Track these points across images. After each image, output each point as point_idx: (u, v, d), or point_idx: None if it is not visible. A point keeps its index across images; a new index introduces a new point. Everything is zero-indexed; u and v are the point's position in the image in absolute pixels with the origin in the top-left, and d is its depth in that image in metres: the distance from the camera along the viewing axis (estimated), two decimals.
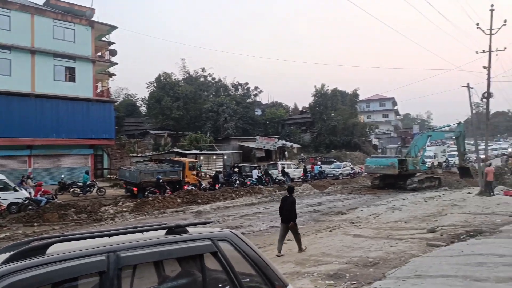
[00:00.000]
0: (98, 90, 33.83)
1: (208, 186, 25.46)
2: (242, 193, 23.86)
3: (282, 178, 29.99)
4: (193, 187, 23.66)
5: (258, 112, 60.96)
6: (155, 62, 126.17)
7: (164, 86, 46.54)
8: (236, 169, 29.85)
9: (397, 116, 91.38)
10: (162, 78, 47.92)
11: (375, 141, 63.28)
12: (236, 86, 59.91)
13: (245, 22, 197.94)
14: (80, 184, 23.28)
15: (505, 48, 22.85)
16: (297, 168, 33.99)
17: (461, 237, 9.41)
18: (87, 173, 24.82)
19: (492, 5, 21.24)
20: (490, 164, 20.24)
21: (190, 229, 2.78)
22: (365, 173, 31.18)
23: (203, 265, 2.62)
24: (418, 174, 26.31)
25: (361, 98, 64.47)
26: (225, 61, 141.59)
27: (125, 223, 15.44)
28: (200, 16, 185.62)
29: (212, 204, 20.30)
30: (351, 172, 35.18)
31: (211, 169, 34.28)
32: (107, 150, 32.23)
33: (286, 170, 31.15)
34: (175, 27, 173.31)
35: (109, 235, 2.47)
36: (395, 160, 25.32)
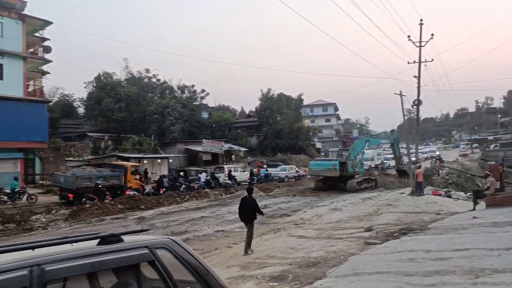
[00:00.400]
0: (30, 89, 31.18)
1: (152, 191, 24.63)
2: (187, 197, 23.42)
3: (229, 181, 29.96)
4: (135, 192, 22.74)
5: (204, 115, 60.34)
6: (95, 61, 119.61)
7: (104, 86, 44.20)
8: (181, 173, 29.24)
9: (339, 121, 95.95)
10: (102, 77, 45.48)
11: (319, 145, 65.60)
12: (182, 88, 58.77)
13: (192, 24, 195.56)
14: (8, 191, 21.28)
15: (432, 60, 25.16)
16: (243, 171, 34.15)
17: (395, 235, 10.08)
18: (15, 179, 22.75)
19: (421, 20, 23.19)
20: (420, 166, 21.79)
21: (125, 237, 2.65)
22: (309, 176, 32.22)
23: (139, 274, 2.51)
24: (357, 176, 27.74)
25: (305, 103, 66.42)
26: (172, 62, 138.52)
27: (58, 232, 14.37)
28: (145, 16, 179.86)
29: (156, 210, 19.65)
30: (296, 174, 36.17)
31: (155, 173, 33.19)
32: (39, 154, 29.80)
33: (233, 173, 31.17)
34: (117, 26, 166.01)
35: (33, 247, 2.27)
36: (336, 163, 26.46)
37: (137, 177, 24.76)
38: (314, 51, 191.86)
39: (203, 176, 28.86)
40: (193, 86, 59.57)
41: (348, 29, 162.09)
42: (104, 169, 24.15)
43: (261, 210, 10.40)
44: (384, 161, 46.50)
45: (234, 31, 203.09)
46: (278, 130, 52.89)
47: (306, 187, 29.41)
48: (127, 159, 29.80)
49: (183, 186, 26.11)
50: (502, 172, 15.30)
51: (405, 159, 33.88)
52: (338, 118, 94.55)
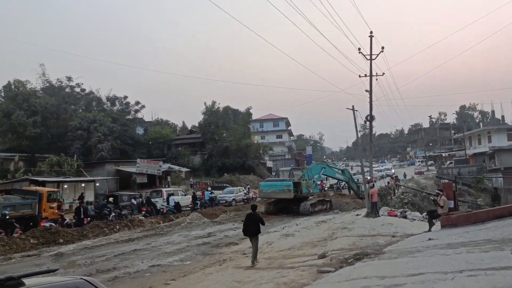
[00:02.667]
0: None
1: (73, 221, 23.20)
2: (118, 227, 22.40)
3: (170, 207, 29.14)
4: (52, 224, 21.29)
5: (139, 130, 58.76)
6: (4, 67, 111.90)
7: (15, 97, 41.49)
8: (111, 199, 27.93)
9: (291, 137, 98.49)
10: (13, 86, 42.71)
11: (270, 164, 66.25)
12: (112, 100, 56.84)
13: (125, 32, 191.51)
14: None
15: (383, 74, 26.98)
16: (185, 195, 33.50)
17: (349, 261, 10.39)
18: None
19: (371, 32, 24.90)
20: (373, 186, 22.78)
21: (28, 280, 2.46)
22: (259, 198, 32.43)
23: None
24: (311, 197, 28.38)
25: (254, 117, 67.38)
26: (100, 71, 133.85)
27: None
28: (69, 21, 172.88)
29: (79, 244, 18.52)
30: (245, 197, 36.22)
31: (76, 200, 31.31)
32: None
33: (173, 197, 30.40)
34: (34, 30, 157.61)
35: None
36: (290, 183, 26.69)
37: (54, 205, 23.22)
38: (262, 63, 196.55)
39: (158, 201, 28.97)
40: (125, 97, 58.04)
41: (298, 42, 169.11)
42: (13, 196, 22.42)
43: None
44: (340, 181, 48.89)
45: (174, 39, 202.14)
46: (224, 147, 52.89)
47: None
48: (43, 183, 27.88)
49: (113, 214, 24.92)
50: (455, 191, 16.43)
51: (359, 179, 35.59)
52: (290, 134, 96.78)
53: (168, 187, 39.70)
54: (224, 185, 41.44)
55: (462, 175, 41.91)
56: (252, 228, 12.29)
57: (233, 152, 53.48)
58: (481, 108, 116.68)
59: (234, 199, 35.01)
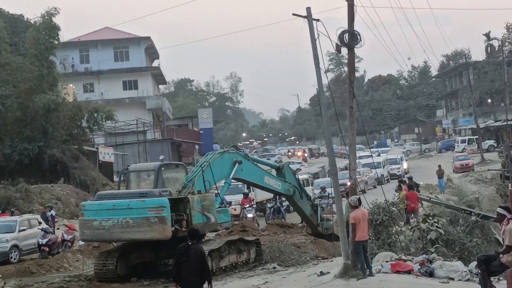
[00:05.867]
0: None
1: None
2: None
3: None
4: None
5: None
6: None
7: None
8: None
9: (161, 87, 55.91)
10: None
11: (107, 153, 32.96)
12: None
13: None
14: None
15: None
16: None
17: None
18: None
19: None
20: (360, 203, 11.74)
21: None
22: (82, 242, 16.76)
23: None
24: (212, 236, 15.73)
25: (68, 36, 36.63)
26: None
27: None
28: None
29: None
30: (44, 241, 16.96)
31: None
32: None
33: None
34: None
35: None
36: (163, 201, 12.90)
37: None
38: None
39: None
40: None
41: None
42: None
43: None
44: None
45: None
46: None
47: (72, 275, 14.84)
48: None
49: None
50: None
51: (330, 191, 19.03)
52: (160, 79, 51.48)
53: None
54: None
55: None
56: (193, 278, 7.27)
57: (13, 126, 27.30)
58: None
59: (16, 247, 16.84)
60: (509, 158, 32.02)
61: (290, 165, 20.75)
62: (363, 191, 25.66)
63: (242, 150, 18.62)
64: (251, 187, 22.42)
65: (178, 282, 7.68)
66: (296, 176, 19.06)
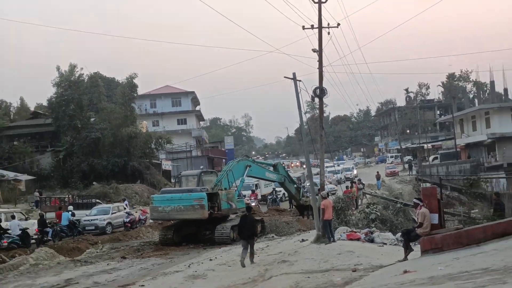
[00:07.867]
0: None
1: None
2: None
3: (14, 237, 18.50)
4: None
5: None
6: None
7: None
8: None
9: (201, 123, 74.92)
10: None
11: (167, 165, 48.74)
12: None
13: None
14: None
15: (338, 25, 18.73)
16: (26, 218, 22.43)
17: None
18: None
19: None
20: (328, 195, 17.37)
21: None
22: (152, 220, 24.03)
23: None
24: (232, 216, 21.02)
25: (142, 90, 49.64)
26: None
27: None
28: None
29: None
30: (128, 219, 25.18)
31: None
32: None
33: (18, 222, 19.69)
34: None
35: None
36: (202, 195, 18.79)
37: None
38: (153, 9, 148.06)
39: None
40: None
41: None
42: None
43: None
44: (277, 190, 34.27)
45: None
46: (92, 140, 37.29)
47: (145, 242, 21.58)
48: None
49: None
50: (441, 199, 12.75)
51: (307, 185, 27.95)
52: (200, 117, 70.78)
53: None
54: (93, 201, 29.30)
55: (450, 176, 36.20)
56: (246, 232, 13.24)
57: (108, 147, 37.95)
58: (476, 78, 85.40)
59: (109, 223, 24.30)
60: (421, 167, 47.49)
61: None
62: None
63: (251, 158, 28.22)
64: (256, 185, 34.37)
65: (240, 235, 13.66)
66: (285, 169, 28.76)
